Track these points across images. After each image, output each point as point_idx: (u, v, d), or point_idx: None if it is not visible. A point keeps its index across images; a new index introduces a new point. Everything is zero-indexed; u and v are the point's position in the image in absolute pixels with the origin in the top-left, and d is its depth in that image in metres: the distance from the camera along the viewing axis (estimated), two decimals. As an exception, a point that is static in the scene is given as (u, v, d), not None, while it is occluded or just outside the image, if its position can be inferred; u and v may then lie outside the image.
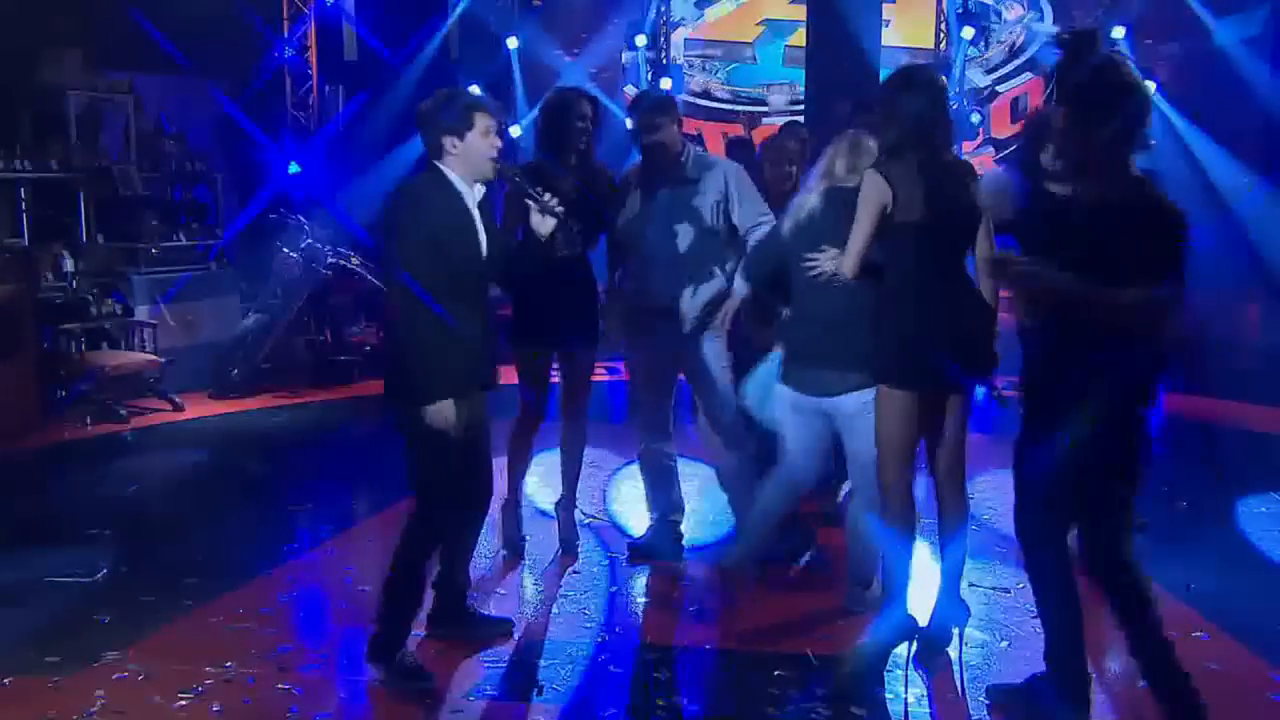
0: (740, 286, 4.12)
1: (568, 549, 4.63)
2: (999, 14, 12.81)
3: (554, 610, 4.09)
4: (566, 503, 4.68)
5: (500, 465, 4.56)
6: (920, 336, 3.42)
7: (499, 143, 3.42)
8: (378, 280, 7.79)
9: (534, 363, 4.47)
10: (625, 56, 12.76)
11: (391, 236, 3.37)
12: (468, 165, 3.40)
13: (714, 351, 4.27)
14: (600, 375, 7.63)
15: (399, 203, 3.38)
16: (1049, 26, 12.63)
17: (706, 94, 13.28)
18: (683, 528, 4.59)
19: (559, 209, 3.51)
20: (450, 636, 3.75)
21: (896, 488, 3.54)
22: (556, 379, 4.63)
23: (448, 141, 3.36)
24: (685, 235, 4.18)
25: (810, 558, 4.40)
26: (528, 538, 4.68)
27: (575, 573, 4.45)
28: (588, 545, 4.72)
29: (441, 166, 3.41)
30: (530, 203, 3.51)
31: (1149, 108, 2.96)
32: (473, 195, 3.45)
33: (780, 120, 12.14)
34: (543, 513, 4.99)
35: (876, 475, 3.57)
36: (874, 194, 3.41)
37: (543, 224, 3.52)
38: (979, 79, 12.72)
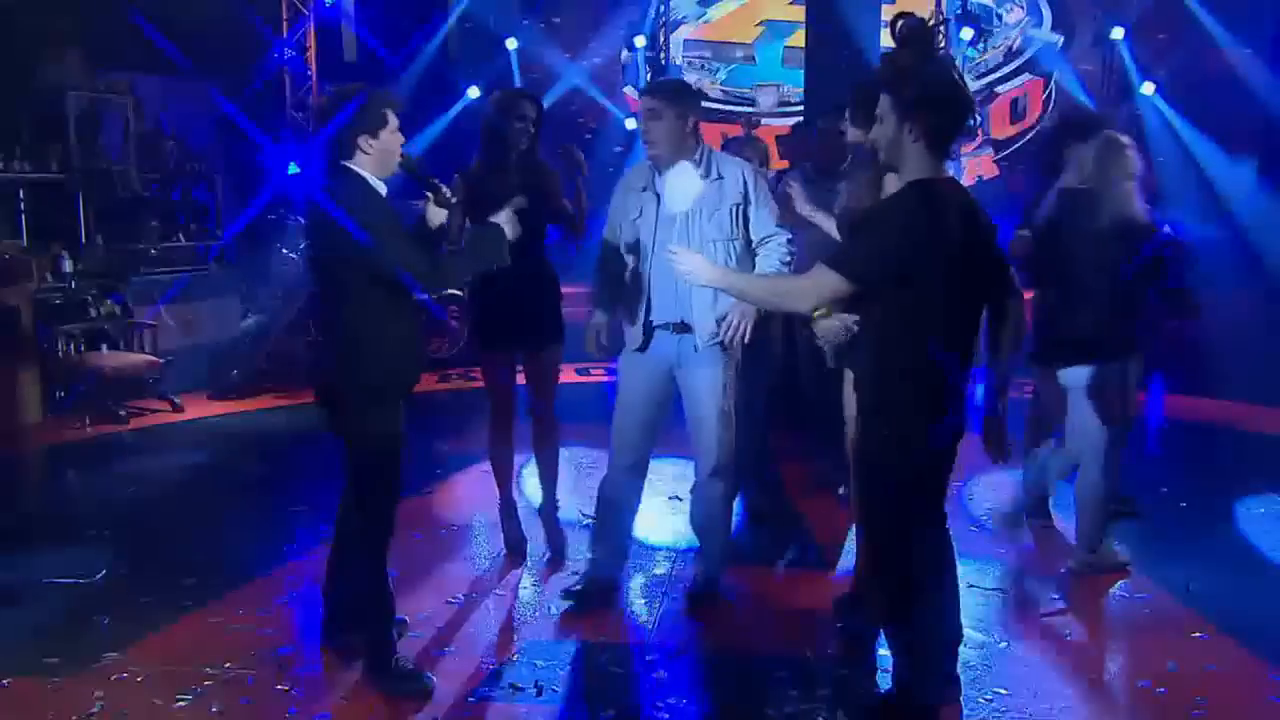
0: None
1: (556, 554, 4.58)
2: (999, 17, 12.82)
3: (553, 610, 4.08)
4: (548, 508, 4.62)
5: (487, 469, 4.61)
6: None
7: (402, 138, 3.44)
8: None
9: (499, 365, 4.45)
10: (624, 55, 12.76)
11: (342, 244, 3.25)
12: (379, 162, 3.39)
13: (716, 378, 3.88)
14: (599, 376, 7.65)
15: (352, 205, 3.28)
16: (1047, 34, 12.64)
17: (705, 95, 13.31)
18: (620, 576, 4.23)
19: (453, 200, 3.56)
20: (346, 645, 3.66)
21: None
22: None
23: (363, 141, 3.34)
24: (705, 241, 3.78)
25: (795, 554, 4.46)
26: (528, 539, 4.67)
27: (574, 573, 4.44)
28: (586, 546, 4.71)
29: (353, 166, 3.37)
30: (429, 194, 3.53)
31: (963, 119, 2.92)
32: (384, 190, 3.44)
33: (776, 121, 12.22)
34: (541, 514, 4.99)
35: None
36: None
37: (436, 215, 3.56)
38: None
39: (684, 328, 3.85)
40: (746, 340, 3.78)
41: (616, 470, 4.04)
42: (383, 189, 3.42)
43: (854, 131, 3.68)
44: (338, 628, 3.71)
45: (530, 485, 5.01)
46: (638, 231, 3.89)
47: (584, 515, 4.95)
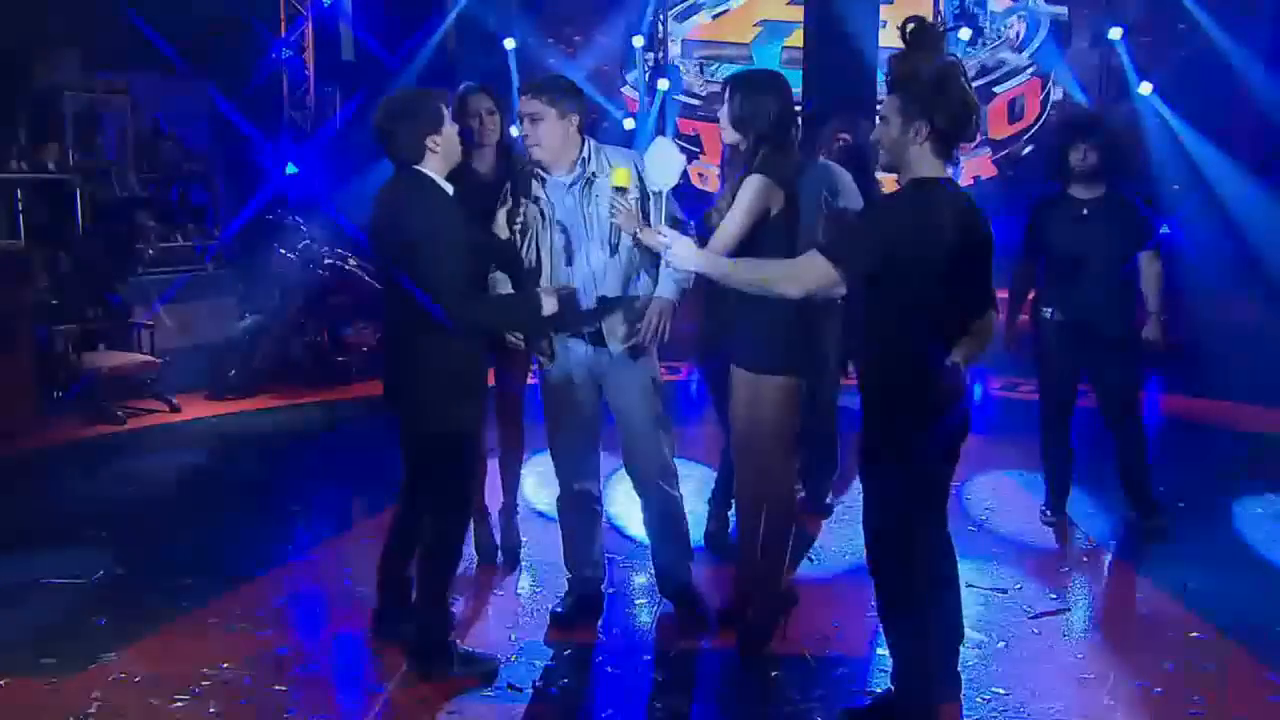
0: (669, 290, 3.65)
1: (510, 558, 4.56)
2: (999, 31, 12.80)
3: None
4: (508, 509, 4.59)
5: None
6: (805, 325, 3.58)
7: (457, 126, 3.48)
8: (376, 282, 7.75)
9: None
10: (631, 76, 12.76)
11: (421, 252, 3.27)
12: (445, 159, 3.41)
13: (641, 376, 3.75)
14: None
15: (422, 216, 3.31)
16: (1021, 58, 12.63)
17: (704, 95, 13.29)
18: (603, 587, 4.11)
19: (520, 220, 3.70)
20: (394, 636, 3.69)
21: (786, 474, 3.73)
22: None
23: (430, 141, 3.35)
24: (605, 242, 3.66)
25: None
26: (523, 540, 4.65)
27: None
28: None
29: (423, 170, 3.38)
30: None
31: (969, 123, 2.91)
32: (451, 190, 3.45)
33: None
34: (539, 513, 4.98)
35: (758, 463, 3.67)
36: (766, 194, 3.48)
37: (503, 228, 3.71)
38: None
39: (598, 336, 3.72)
40: (666, 339, 3.66)
41: (569, 491, 3.93)
42: (449, 189, 3.43)
43: (731, 134, 3.61)
44: (389, 621, 3.73)
45: (528, 486, 4.98)
46: (535, 244, 3.72)
47: None
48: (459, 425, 3.43)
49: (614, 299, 3.69)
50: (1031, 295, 4.91)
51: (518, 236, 3.75)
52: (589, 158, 3.66)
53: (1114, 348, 4.65)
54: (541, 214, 3.70)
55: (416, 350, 3.40)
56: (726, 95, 3.62)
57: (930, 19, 2.97)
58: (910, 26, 2.88)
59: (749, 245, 3.44)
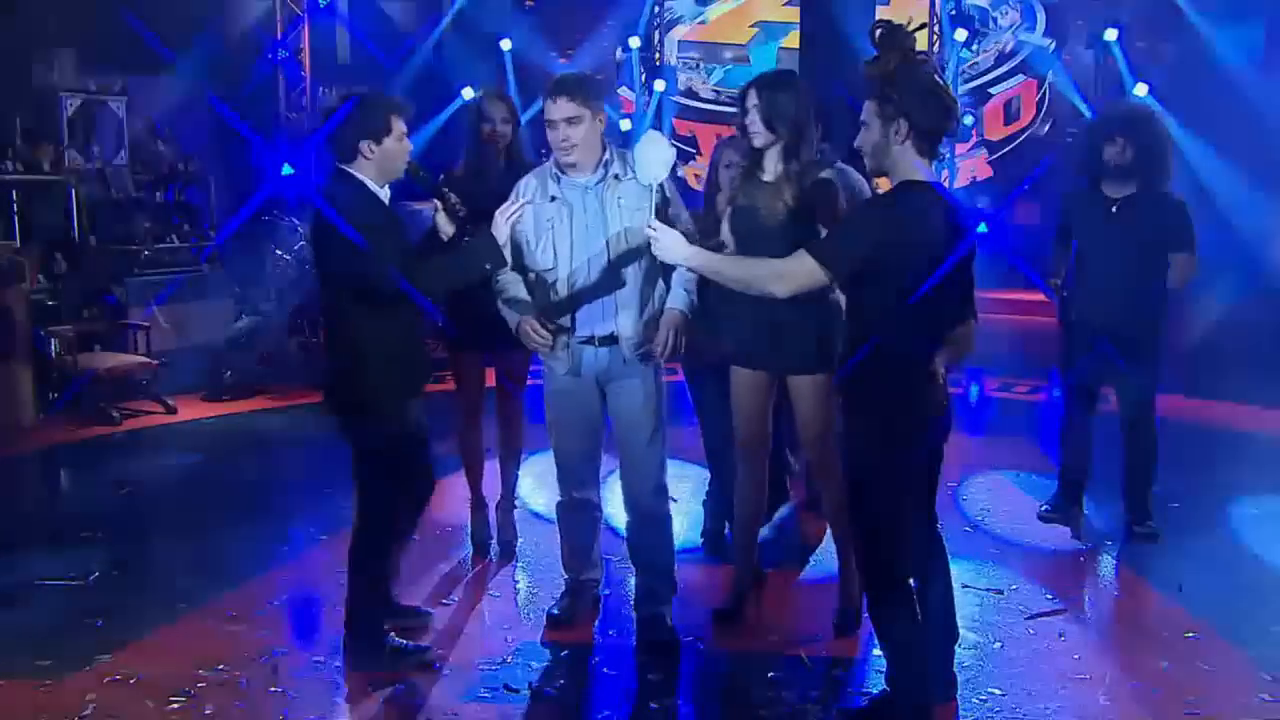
0: (680, 300, 3.56)
1: (506, 551, 4.61)
2: (994, 20, 12.82)
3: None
4: (505, 504, 4.64)
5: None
6: (772, 321, 3.59)
7: (410, 145, 3.45)
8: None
9: (469, 364, 4.46)
10: (619, 56, 12.77)
11: (339, 250, 3.29)
12: (381, 168, 3.40)
13: (650, 390, 3.67)
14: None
15: (348, 211, 3.30)
16: (1039, 38, 12.65)
17: (700, 96, 13.31)
18: (600, 589, 4.10)
19: (461, 211, 3.56)
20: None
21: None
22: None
23: (364, 146, 3.35)
24: (628, 247, 3.54)
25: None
26: (519, 537, 4.68)
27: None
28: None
29: (352, 170, 3.39)
30: (438, 202, 3.56)
31: (948, 117, 2.93)
32: (385, 195, 3.47)
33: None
34: (536, 514, 4.98)
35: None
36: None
37: (448, 226, 3.57)
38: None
39: (609, 340, 3.61)
40: (681, 352, 3.58)
41: (570, 495, 3.87)
42: (384, 194, 3.43)
43: (764, 136, 3.59)
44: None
45: (525, 486, 4.98)
46: (553, 244, 3.60)
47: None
48: (378, 433, 3.45)
49: (630, 303, 3.59)
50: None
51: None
52: (611, 159, 3.60)
53: (1133, 350, 4.56)
54: (560, 215, 3.58)
55: (349, 352, 3.43)
56: (754, 98, 3.57)
57: (927, 20, 2.99)
58: (879, 30, 2.92)
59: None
